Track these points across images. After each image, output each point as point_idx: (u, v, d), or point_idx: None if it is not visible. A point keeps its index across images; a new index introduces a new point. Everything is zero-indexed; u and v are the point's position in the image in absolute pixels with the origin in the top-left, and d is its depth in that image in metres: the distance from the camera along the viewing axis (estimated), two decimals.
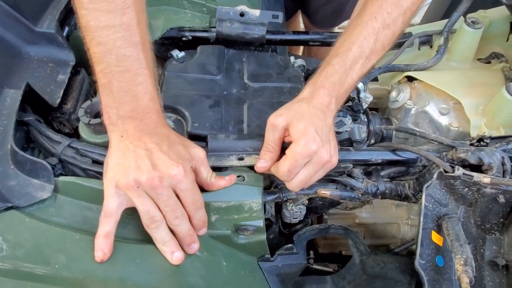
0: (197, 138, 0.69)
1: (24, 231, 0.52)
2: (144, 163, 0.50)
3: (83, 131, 0.63)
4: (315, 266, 0.85)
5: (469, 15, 0.84)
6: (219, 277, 0.58)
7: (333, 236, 0.94)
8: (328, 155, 0.56)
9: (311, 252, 0.83)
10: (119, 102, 0.53)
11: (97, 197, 0.57)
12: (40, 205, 0.56)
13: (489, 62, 0.84)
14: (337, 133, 0.75)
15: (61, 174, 0.61)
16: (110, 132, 0.54)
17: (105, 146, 0.62)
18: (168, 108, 0.73)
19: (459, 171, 0.59)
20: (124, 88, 0.53)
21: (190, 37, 0.86)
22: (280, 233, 0.79)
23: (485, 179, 0.58)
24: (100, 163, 0.60)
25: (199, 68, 0.79)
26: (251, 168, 0.63)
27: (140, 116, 0.54)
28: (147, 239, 0.55)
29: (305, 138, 0.54)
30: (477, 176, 0.58)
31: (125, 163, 0.51)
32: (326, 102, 0.59)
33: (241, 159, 0.61)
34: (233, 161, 0.61)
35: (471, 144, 0.64)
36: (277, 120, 0.57)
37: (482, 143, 0.64)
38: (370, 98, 0.81)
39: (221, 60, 0.81)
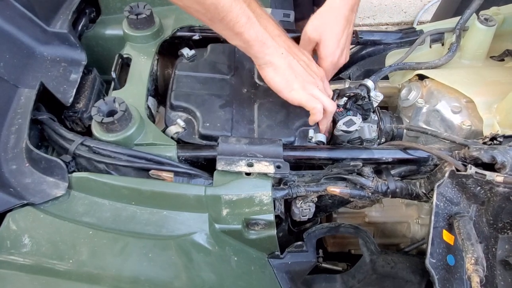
0: (208, 138, 0.69)
1: (39, 227, 0.54)
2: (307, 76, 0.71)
3: (96, 130, 0.64)
4: (324, 265, 0.85)
5: (481, 12, 0.82)
6: (229, 271, 0.58)
7: (342, 235, 0.93)
8: (344, 60, 0.78)
9: (320, 251, 0.83)
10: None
11: (110, 192, 0.59)
12: (55, 201, 0.57)
13: (502, 60, 0.83)
14: (347, 132, 0.75)
15: (75, 172, 0.62)
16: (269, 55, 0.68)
17: (117, 144, 0.63)
18: (179, 108, 0.73)
19: (472, 169, 0.58)
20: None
21: (200, 36, 0.86)
22: (289, 231, 0.79)
23: (498, 178, 0.57)
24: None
25: (210, 67, 0.79)
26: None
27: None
28: (159, 234, 0.56)
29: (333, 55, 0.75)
30: (490, 175, 0.57)
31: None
32: (350, 6, 0.73)
33: (250, 165, 0.61)
34: (242, 167, 0.61)
35: (484, 143, 0.64)
36: (313, 35, 0.75)
37: (495, 141, 0.63)
38: (380, 97, 0.80)
39: (232, 59, 0.82)
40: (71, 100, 0.71)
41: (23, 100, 0.66)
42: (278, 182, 0.68)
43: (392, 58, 0.90)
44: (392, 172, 0.70)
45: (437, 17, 1.58)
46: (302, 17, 1.44)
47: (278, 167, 0.62)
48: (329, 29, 0.74)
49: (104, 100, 0.64)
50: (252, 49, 0.66)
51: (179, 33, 0.86)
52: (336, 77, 0.95)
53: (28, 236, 0.53)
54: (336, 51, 0.75)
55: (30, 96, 0.66)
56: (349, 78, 0.98)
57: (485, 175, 0.58)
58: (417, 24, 2.26)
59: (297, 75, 0.69)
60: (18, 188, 0.56)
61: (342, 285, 0.77)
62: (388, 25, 2.31)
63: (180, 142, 0.69)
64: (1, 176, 0.56)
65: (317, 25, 0.74)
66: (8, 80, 0.67)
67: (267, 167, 0.62)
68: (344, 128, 0.74)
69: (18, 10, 0.73)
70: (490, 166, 0.61)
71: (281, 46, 0.67)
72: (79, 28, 0.86)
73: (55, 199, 0.57)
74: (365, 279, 0.75)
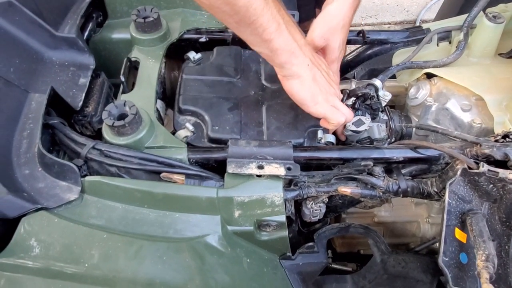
0: (218, 142, 0.69)
1: (54, 232, 0.54)
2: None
3: (107, 133, 0.64)
4: (334, 266, 0.85)
5: (489, 9, 0.82)
6: (242, 273, 0.58)
7: (351, 235, 0.93)
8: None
9: (329, 251, 0.83)
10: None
11: (122, 195, 0.59)
12: (68, 205, 0.57)
13: (511, 57, 0.83)
14: (356, 132, 0.75)
15: (87, 175, 0.62)
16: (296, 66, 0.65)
17: (128, 147, 0.63)
18: (187, 112, 0.73)
19: (484, 167, 0.58)
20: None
21: (207, 39, 0.86)
22: (299, 232, 0.79)
23: (511, 175, 0.57)
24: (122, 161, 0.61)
25: (217, 70, 0.80)
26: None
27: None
28: (172, 237, 0.56)
29: (339, 59, 0.77)
30: (502, 173, 0.57)
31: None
32: (354, 8, 0.73)
33: (261, 167, 0.61)
34: (253, 169, 0.61)
35: (496, 141, 0.63)
36: (319, 42, 0.74)
37: (507, 139, 0.63)
38: (388, 96, 0.80)
39: (238, 61, 0.82)
40: (80, 104, 0.71)
41: (34, 105, 0.67)
42: (289, 183, 0.68)
43: (399, 57, 0.90)
44: (403, 171, 0.69)
45: (441, 15, 1.58)
46: (305, 18, 1.45)
47: (289, 169, 0.62)
48: (337, 34, 0.73)
49: (114, 103, 0.64)
50: (279, 58, 0.63)
51: (186, 36, 0.86)
52: (342, 77, 0.95)
53: (43, 240, 0.53)
54: (341, 54, 0.76)
55: (41, 101, 0.67)
56: (354, 78, 0.98)
57: (497, 172, 0.58)
58: (420, 23, 2.25)
59: (321, 88, 0.67)
60: (32, 192, 0.56)
61: (353, 286, 0.77)
62: (391, 24, 2.31)
63: (189, 146, 0.69)
64: (14, 181, 0.57)
65: (323, 31, 0.73)
66: (18, 85, 0.68)
67: (277, 169, 0.62)
68: (354, 128, 0.74)
69: (27, 15, 0.73)
70: (503, 164, 0.61)
71: (307, 57, 0.65)
72: (87, 32, 0.86)
73: (68, 203, 0.57)
74: (376, 279, 0.75)
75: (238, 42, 0.86)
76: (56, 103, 0.71)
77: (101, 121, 0.72)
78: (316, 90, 0.67)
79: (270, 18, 0.58)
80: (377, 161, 0.67)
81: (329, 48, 0.74)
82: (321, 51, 0.76)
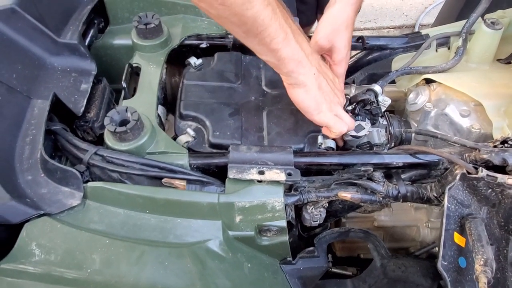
0: (219, 147, 0.70)
1: (56, 237, 0.54)
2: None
3: (108, 139, 0.65)
4: (334, 270, 0.86)
5: (487, 16, 0.83)
6: (243, 278, 0.59)
7: (350, 240, 0.94)
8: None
9: (330, 255, 0.83)
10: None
11: (124, 201, 0.59)
12: (70, 211, 0.57)
13: (509, 63, 0.83)
14: (356, 137, 0.76)
15: (89, 181, 0.62)
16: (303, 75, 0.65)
17: (130, 153, 0.64)
18: (188, 117, 0.74)
19: (483, 172, 0.59)
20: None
21: (208, 44, 0.87)
22: (299, 237, 0.79)
23: (509, 180, 0.57)
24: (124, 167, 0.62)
25: (218, 76, 0.80)
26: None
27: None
28: (173, 242, 0.56)
29: (346, 59, 0.76)
30: (501, 178, 0.58)
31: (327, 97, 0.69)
32: (356, 8, 0.73)
33: (261, 173, 0.62)
34: (253, 175, 0.62)
35: (495, 146, 0.64)
36: (324, 43, 0.73)
37: (505, 145, 0.63)
38: (388, 101, 0.81)
39: (239, 67, 0.82)
40: (82, 109, 0.72)
41: (37, 111, 0.67)
42: (289, 188, 0.68)
43: (398, 62, 0.91)
44: (403, 176, 0.70)
45: (440, 20, 1.59)
46: (306, 23, 1.46)
47: (289, 174, 0.63)
48: (341, 35, 0.72)
49: (116, 109, 0.64)
50: (286, 67, 0.63)
51: (186, 42, 0.87)
52: None
53: (45, 246, 0.53)
54: (348, 54, 0.75)
55: (43, 107, 0.67)
56: (353, 83, 0.99)
57: (496, 177, 0.58)
58: (419, 27, 2.27)
59: (326, 97, 0.68)
60: (35, 198, 0.56)
61: None
62: (390, 28, 2.33)
63: (190, 151, 0.70)
64: (17, 187, 0.57)
65: (327, 32, 0.72)
66: (21, 91, 0.68)
67: (278, 175, 0.62)
68: (353, 133, 0.74)
69: (29, 22, 0.74)
70: (501, 169, 0.61)
71: (314, 65, 0.65)
72: (89, 38, 0.87)
73: (70, 209, 0.58)
74: (376, 283, 0.76)
75: (239, 48, 0.86)
76: (58, 109, 0.71)
77: (102, 127, 0.73)
78: (321, 99, 0.67)
79: (278, 28, 0.58)
80: (376, 166, 0.68)
81: (335, 49, 0.74)
82: (328, 53, 0.76)
